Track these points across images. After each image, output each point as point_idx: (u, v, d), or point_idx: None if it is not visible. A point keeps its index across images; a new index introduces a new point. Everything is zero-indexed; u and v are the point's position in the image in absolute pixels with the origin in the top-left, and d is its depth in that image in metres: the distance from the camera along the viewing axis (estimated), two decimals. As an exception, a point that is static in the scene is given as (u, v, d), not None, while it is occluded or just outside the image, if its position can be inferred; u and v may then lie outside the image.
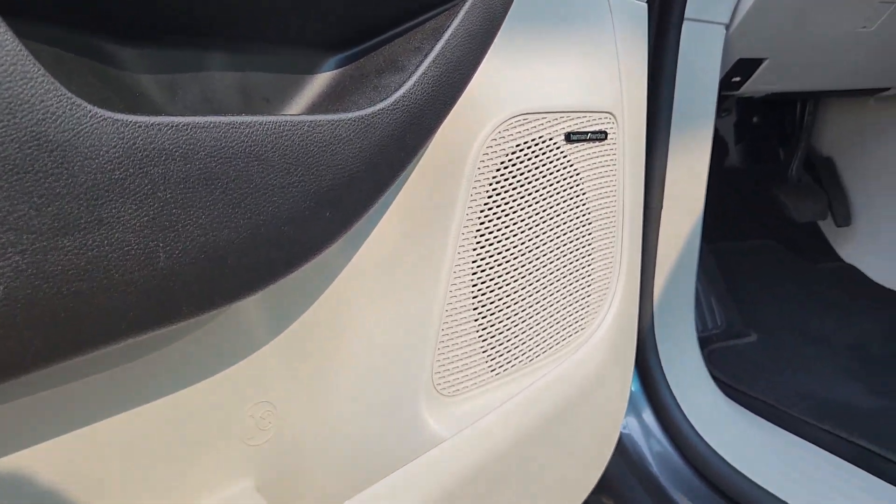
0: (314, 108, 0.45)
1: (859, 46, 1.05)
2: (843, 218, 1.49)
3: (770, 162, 1.56)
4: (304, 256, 0.40)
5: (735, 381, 1.10)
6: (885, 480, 0.88)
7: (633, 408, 0.96)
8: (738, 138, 1.54)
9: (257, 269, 0.37)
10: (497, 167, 0.59)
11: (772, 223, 1.52)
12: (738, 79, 1.02)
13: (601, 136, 0.67)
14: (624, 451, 0.93)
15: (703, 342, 1.20)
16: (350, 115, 0.43)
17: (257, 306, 0.47)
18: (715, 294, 1.26)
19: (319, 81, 0.48)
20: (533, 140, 0.61)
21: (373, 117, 0.44)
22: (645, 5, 0.71)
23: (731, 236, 1.50)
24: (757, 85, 1.06)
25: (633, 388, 0.96)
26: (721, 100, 0.98)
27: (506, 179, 0.60)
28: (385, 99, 0.45)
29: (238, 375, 0.47)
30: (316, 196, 0.39)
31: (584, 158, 0.66)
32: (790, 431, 0.99)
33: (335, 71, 0.48)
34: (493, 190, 0.59)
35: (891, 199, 1.45)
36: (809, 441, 0.96)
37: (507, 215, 0.60)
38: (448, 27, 0.49)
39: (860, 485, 0.87)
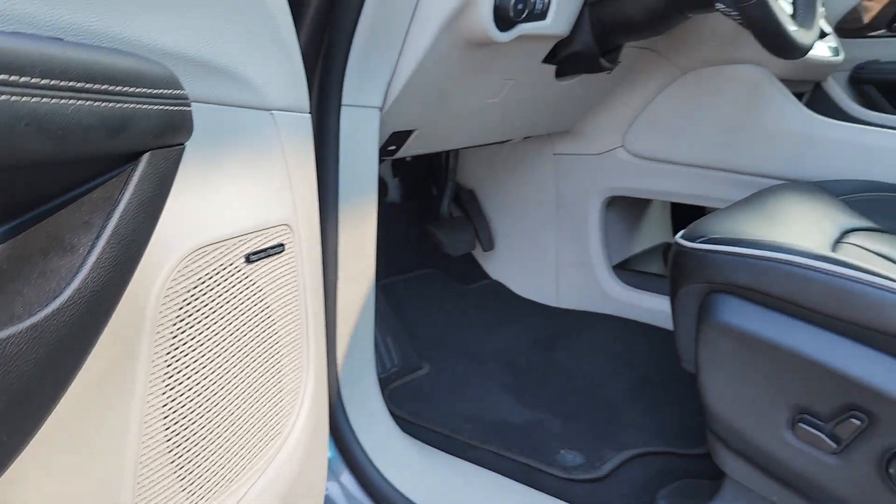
0: None
1: (489, 113, 1.21)
2: (488, 243, 1.72)
3: (425, 199, 1.73)
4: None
5: (415, 417, 1.21)
6: (540, 490, 1.05)
7: (332, 474, 1.01)
8: (395, 176, 1.68)
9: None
10: (180, 305, 0.58)
11: (432, 253, 1.69)
12: (393, 147, 1.12)
13: (279, 249, 0.70)
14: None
15: (385, 383, 1.30)
16: (19, 327, 0.39)
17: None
18: (391, 333, 1.37)
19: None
20: (214, 270, 0.61)
21: (47, 322, 0.41)
22: (308, 115, 0.75)
23: (396, 271, 1.63)
24: (409, 150, 1.17)
25: (330, 455, 1.01)
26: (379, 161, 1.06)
27: (190, 315, 0.59)
28: (59, 294, 0.42)
29: None
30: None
31: (265, 274, 0.68)
32: (462, 458, 1.12)
33: (-13, 252, 0.44)
34: (178, 328, 0.58)
35: (519, 222, 1.70)
36: (478, 464, 1.11)
37: (193, 350, 0.60)
38: (120, 199, 0.47)
39: (518, 499, 1.03)
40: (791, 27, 1.00)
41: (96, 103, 0.42)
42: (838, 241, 0.99)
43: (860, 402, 0.77)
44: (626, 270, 1.66)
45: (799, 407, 0.82)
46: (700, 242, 0.90)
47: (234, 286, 0.64)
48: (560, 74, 1.21)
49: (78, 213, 0.47)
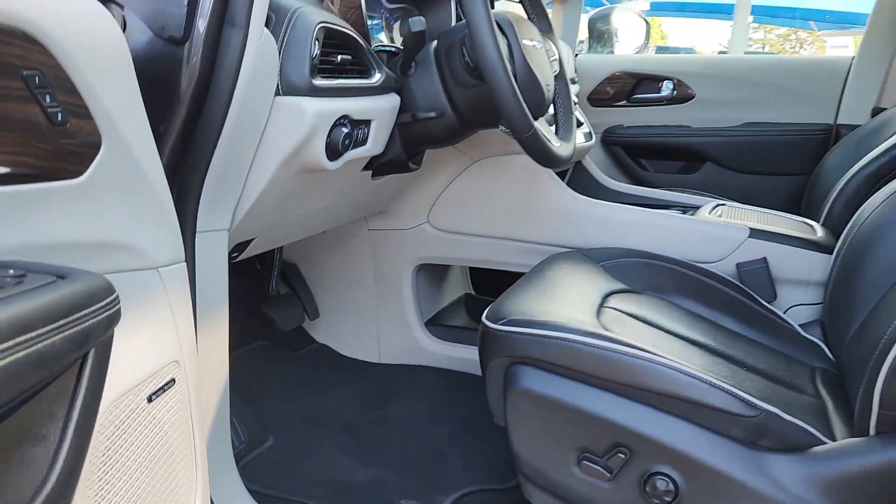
0: None
1: (318, 213, 1.39)
2: (313, 312, 1.87)
3: (250, 276, 1.85)
4: None
5: (269, 489, 1.34)
6: None
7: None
8: None
9: None
10: (103, 452, 0.70)
11: (258, 325, 1.81)
12: (235, 254, 1.26)
13: (171, 383, 0.82)
14: None
15: (236, 459, 1.41)
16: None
17: None
18: (234, 411, 1.48)
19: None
20: (125, 415, 0.73)
21: (43, 505, 0.53)
22: (184, 263, 0.88)
23: (233, 347, 1.73)
24: (248, 254, 1.31)
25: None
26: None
27: (111, 456, 0.71)
28: (45, 484, 0.54)
29: None
30: None
31: (163, 407, 0.81)
32: None
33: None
34: (103, 465, 0.70)
35: (341, 290, 1.88)
36: None
37: (115, 479, 0.72)
38: (77, 391, 0.59)
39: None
40: (555, 145, 1.29)
41: (70, 332, 0.55)
42: (601, 306, 1.28)
43: (623, 441, 1.04)
44: (437, 325, 1.89)
45: (582, 448, 1.08)
46: (502, 324, 1.14)
47: (140, 424, 0.76)
48: (376, 175, 1.41)
49: (40, 405, 0.58)
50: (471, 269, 2.18)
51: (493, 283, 2.14)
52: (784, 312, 1.50)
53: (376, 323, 1.87)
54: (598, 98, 2.53)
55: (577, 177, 1.93)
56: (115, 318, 0.61)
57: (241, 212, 1.11)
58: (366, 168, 1.34)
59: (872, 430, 0.97)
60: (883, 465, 0.93)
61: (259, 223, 1.19)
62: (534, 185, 1.65)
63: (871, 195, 1.70)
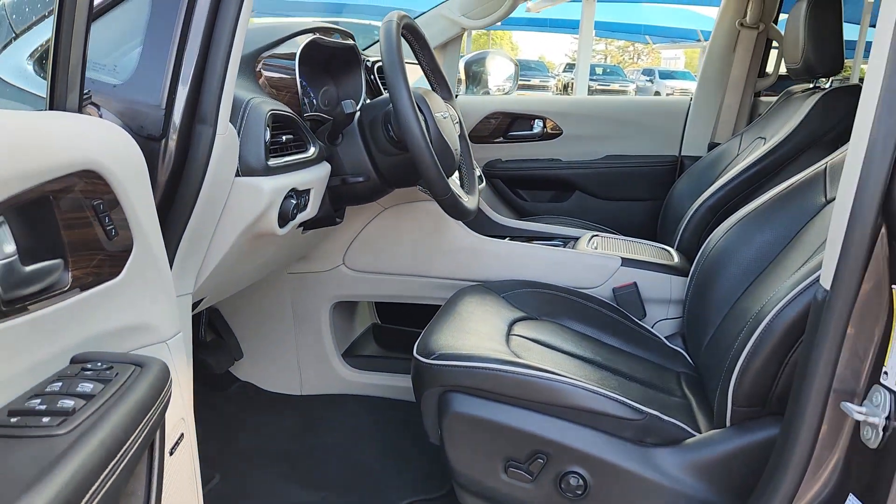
0: None
1: (258, 270, 1.54)
2: (237, 352, 2.00)
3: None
4: None
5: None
6: None
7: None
8: None
9: None
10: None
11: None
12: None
13: (182, 437, 0.97)
14: None
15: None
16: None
17: None
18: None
19: None
20: (166, 467, 0.88)
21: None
22: (181, 333, 1.02)
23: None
24: (196, 311, 1.44)
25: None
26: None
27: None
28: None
29: None
30: None
31: (178, 459, 0.95)
32: None
33: None
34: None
35: (263, 330, 2.02)
36: None
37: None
38: (154, 454, 0.74)
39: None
40: (465, 199, 1.51)
41: (161, 409, 0.70)
42: (509, 335, 1.52)
43: (541, 448, 1.28)
44: (352, 356, 2.07)
45: (508, 457, 1.31)
46: (434, 359, 1.35)
47: (168, 475, 0.90)
48: (306, 230, 1.58)
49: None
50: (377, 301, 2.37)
51: (396, 313, 2.34)
52: (652, 327, 1.80)
53: (297, 358, 2.02)
54: (478, 135, 2.79)
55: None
56: (170, 391, 0.76)
57: (202, 276, 1.25)
58: (299, 226, 1.51)
59: (728, 423, 1.27)
60: (738, 449, 1.22)
61: (212, 284, 1.33)
62: (438, 227, 1.87)
63: (713, 224, 2.06)
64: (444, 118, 1.52)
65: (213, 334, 2.00)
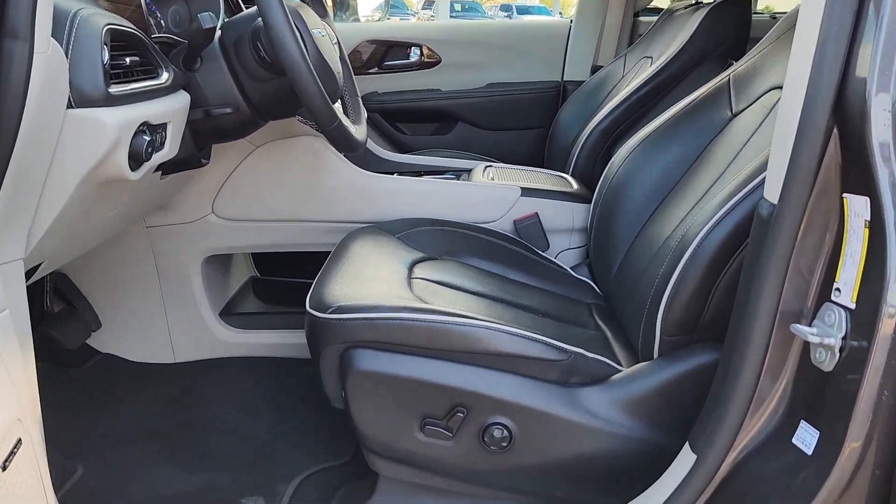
0: None
1: (108, 225, 1.29)
2: (95, 322, 1.72)
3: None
4: None
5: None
6: None
7: None
8: None
9: None
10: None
11: (41, 350, 1.63)
12: None
13: (19, 444, 0.75)
14: None
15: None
16: None
17: None
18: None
19: None
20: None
21: None
22: (7, 312, 0.79)
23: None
24: (33, 280, 1.18)
25: None
26: None
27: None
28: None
29: None
30: None
31: (16, 472, 0.74)
32: None
33: None
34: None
35: (123, 294, 1.76)
36: None
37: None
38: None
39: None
40: (353, 129, 1.32)
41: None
42: (410, 278, 1.37)
43: (460, 401, 1.15)
44: (231, 315, 1.85)
45: (424, 415, 1.17)
46: (331, 313, 1.18)
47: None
48: (165, 174, 1.34)
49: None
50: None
51: (277, 264, 2.13)
52: (555, 258, 1.71)
53: (166, 322, 1.78)
54: (351, 66, 2.57)
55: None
56: None
57: (35, 236, 1.00)
58: (156, 170, 1.27)
59: (656, 354, 1.19)
60: (670, 381, 1.15)
61: (52, 245, 1.08)
62: (318, 164, 1.67)
63: (607, 147, 1.98)
64: (322, 36, 1.31)
65: (62, 304, 1.71)
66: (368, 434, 1.20)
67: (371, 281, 1.28)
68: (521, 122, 2.59)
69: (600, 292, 1.58)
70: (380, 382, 1.16)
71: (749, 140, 1.31)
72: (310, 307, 1.22)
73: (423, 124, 2.64)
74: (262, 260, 2.15)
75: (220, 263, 1.88)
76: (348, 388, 1.18)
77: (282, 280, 2.10)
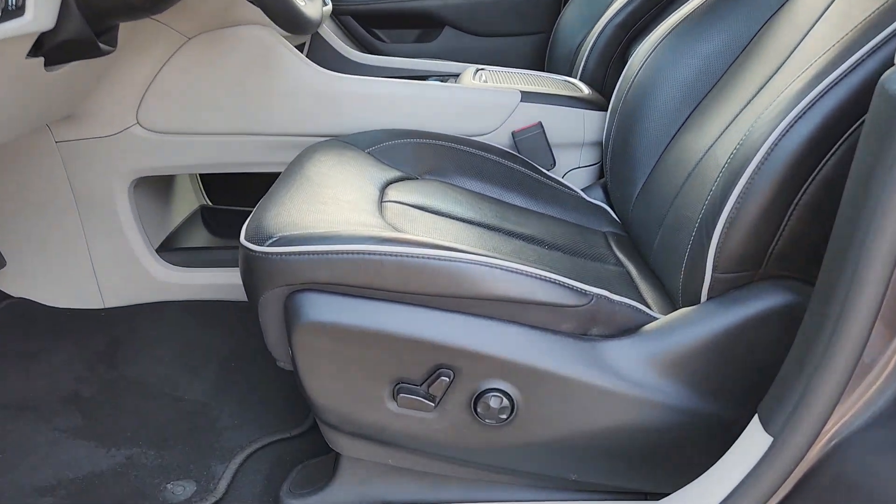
0: None
1: None
2: (-2, 260, 1.42)
3: None
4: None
5: None
6: None
7: None
8: None
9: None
10: None
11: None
12: None
13: None
14: None
15: None
16: None
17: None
18: None
19: None
20: None
21: None
22: None
23: None
24: None
25: None
26: None
27: None
28: None
29: None
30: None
31: None
32: None
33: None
34: None
35: (32, 227, 1.44)
36: None
37: None
38: None
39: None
40: (301, 3, 0.99)
41: None
42: (381, 202, 1.06)
43: (445, 361, 0.86)
44: (172, 251, 1.54)
45: (396, 378, 0.88)
46: (270, 245, 0.87)
47: None
48: (51, 64, 1.01)
49: None
50: (203, 174, 1.81)
51: (234, 189, 1.80)
52: (563, 178, 1.40)
53: (90, 259, 1.47)
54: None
55: (316, 50, 1.64)
56: None
57: None
58: (34, 54, 0.94)
59: (704, 297, 0.89)
60: (723, 331, 0.86)
61: None
62: (268, 62, 1.34)
63: (625, 44, 1.65)
64: None
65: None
66: (324, 404, 0.91)
67: (328, 204, 0.98)
68: (518, 26, 2.24)
69: (618, 219, 1.28)
70: (337, 337, 0.86)
71: (827, 10, 0.99)
72: (244, 238, 0.92)
73: (405, 30, 2.29)
74: (215, 185, 1.82)
75: (156, 188, 1.56)
76: (296, 345, 0.88)
77: (239, 210, 1.79)
